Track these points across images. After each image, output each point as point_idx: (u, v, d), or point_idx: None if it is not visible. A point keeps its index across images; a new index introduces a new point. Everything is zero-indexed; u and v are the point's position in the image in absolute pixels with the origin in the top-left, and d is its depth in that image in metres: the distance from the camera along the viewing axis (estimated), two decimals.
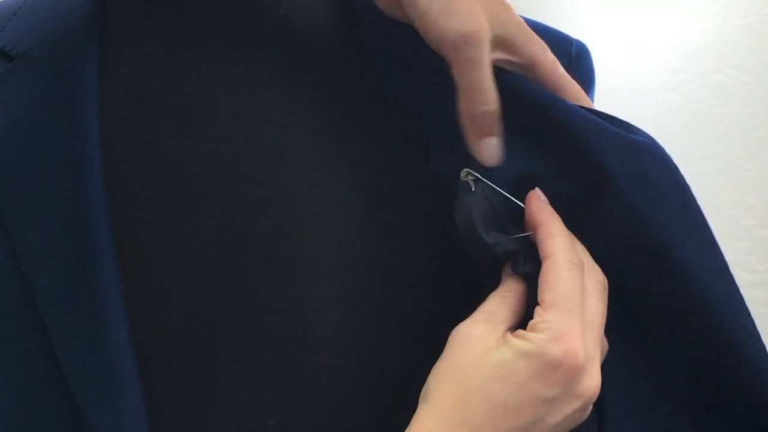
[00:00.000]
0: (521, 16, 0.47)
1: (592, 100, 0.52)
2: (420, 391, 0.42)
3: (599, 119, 0.44)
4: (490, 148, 0.44)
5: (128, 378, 0.42)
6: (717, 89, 1.81)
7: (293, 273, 0.44)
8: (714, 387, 0.46)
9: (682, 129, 1.84)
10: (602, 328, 0.43)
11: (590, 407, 0.42)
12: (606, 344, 0.44)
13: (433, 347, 0.42)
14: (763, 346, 0.45)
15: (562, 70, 0.47)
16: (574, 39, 0.54)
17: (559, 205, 0.45)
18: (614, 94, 1.94)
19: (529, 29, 0.46)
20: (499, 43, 0.44)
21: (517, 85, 0.45)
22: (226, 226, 0.44)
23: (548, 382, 0.40)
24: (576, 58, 0.52)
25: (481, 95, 0.43)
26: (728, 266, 0.45)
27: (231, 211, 0.44)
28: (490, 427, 0.39)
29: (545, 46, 0.46)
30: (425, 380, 0.42)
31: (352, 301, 0.45)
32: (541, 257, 0.43)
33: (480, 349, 0.41)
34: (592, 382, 0.41)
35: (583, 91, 0.47)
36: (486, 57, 0.43)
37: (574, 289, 0.42)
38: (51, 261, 0.42)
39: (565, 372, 0.40)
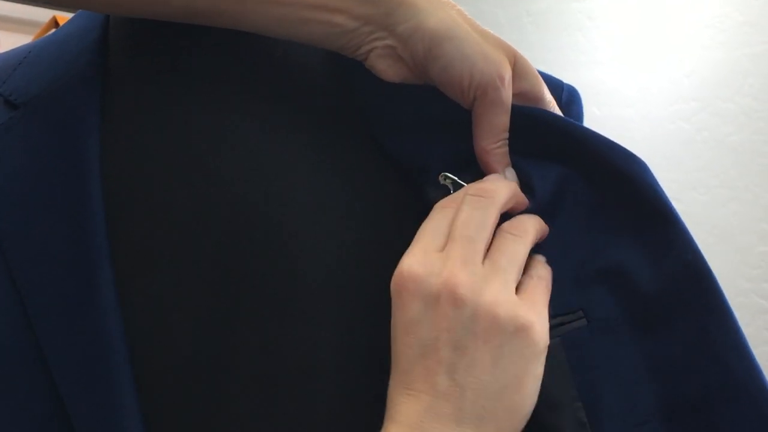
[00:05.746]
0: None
1: None
2: None
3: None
4: (511, 178, 0.47)
5: (131, 421, 0.42)
6: (728, 118, 1.81)
7: (294, 315, 0.45)
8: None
9: (694, 158, 1.84)
10: (477, 231, 0.43)
11: (481, 307, 0.41)
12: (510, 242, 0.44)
13: None
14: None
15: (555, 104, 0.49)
16: (566, 84, 0.55)
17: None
18: (626, 124, 1.94)
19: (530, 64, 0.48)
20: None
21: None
22: (227, 271, 0.45)
23: (404, 307, 0.42)
24: (566, 104, 0.53)
25: (502, 134, 0.46)
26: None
27: (233, 255, 0.45)
28: (404, 376, 0.41)
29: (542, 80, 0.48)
30: None
31: (355, 344, 0.46)
32: None
33: None
34: (437, 278, 0.41)
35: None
36: (510, 98, 0.46)
37: (428, 224, 0.44)
38: (55, 305, 0.43)
39: (405, 289, 0.42)
